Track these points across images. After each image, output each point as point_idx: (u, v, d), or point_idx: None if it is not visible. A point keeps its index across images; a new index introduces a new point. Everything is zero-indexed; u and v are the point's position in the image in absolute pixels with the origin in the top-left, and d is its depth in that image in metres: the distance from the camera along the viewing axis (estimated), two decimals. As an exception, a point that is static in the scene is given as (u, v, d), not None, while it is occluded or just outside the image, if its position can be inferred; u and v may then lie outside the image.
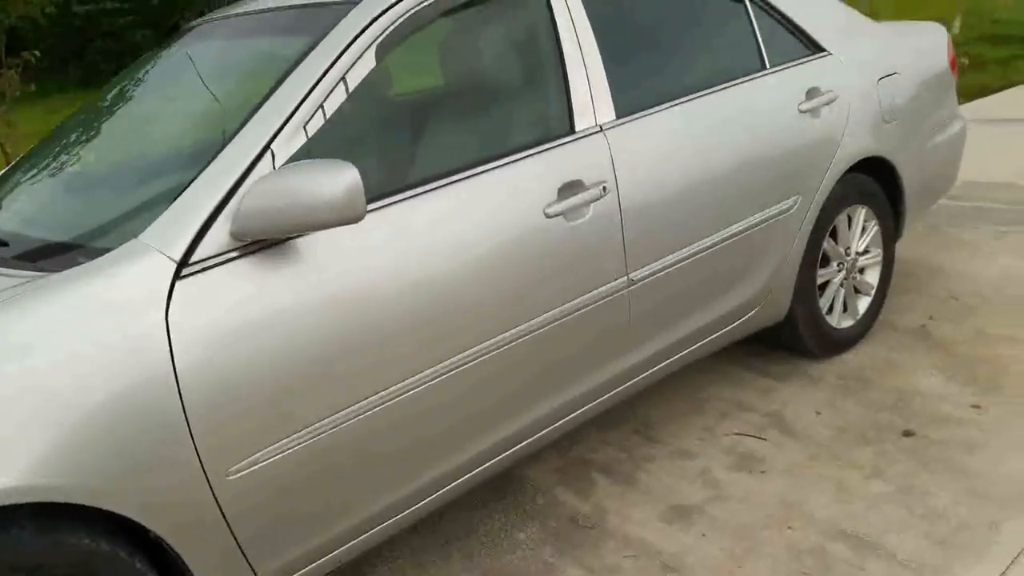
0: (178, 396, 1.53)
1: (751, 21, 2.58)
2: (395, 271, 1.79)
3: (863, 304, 3.03)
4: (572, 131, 2.15)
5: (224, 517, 1.62)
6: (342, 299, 1.72)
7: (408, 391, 1.83)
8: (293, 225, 1.60)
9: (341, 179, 1.58)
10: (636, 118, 2.26)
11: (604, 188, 2.15)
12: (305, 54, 1.81)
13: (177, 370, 1.53)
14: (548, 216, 2.04)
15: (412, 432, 1.87)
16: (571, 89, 2.16)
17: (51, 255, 1.71)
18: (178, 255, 1.58)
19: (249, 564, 1.69)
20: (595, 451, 2.66)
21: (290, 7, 2.08)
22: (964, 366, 2.85)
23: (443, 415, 1.92)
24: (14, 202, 2.10)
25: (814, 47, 2.73)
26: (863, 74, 2.79)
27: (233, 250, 1.63)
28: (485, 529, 2.35)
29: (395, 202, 1.83)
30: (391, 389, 1.81)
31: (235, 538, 1.65)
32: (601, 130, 2.19)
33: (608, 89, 2.22)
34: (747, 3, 2.60)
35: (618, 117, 2.23)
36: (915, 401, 2.69)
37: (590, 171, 2.14)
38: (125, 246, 1.59)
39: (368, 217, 1.78)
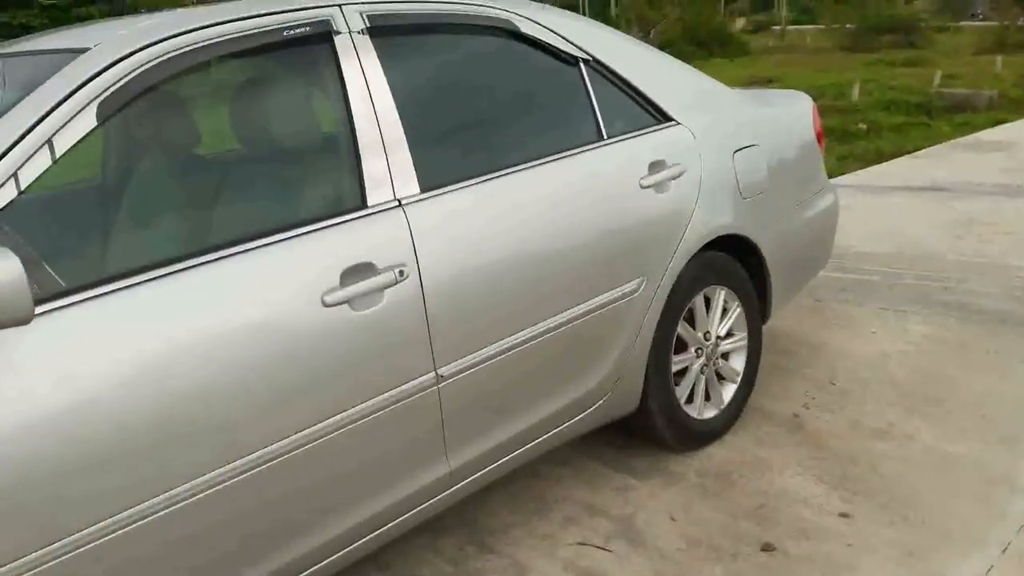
0: None
1: (587, 88, 2.35)
2: (105, 381, 1.46)
3: (728, 392, 2.78)
4: (363, 205, 1.87)
5: None
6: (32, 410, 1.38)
7: (174, 506, 1.53)
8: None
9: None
10: (444, 192, 1.99)
11: (401, 272, 1.86)
12: (8, 108, 1.49)
13: None
14: (327, 304, 1.74)
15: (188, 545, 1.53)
16: (362, 157, 1.88)
17: None
18: None
19: None
20: (422, 563, 2.32)
21: (14, 53, 1.77)
22: (835, 463, 2.61)
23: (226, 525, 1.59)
24: None
25: (661, 117, 2.51)
26: (717, 146, 2.59)
27: None
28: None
29: (107, 292, 1.50)
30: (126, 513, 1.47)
31: None
32: (400, 204, 1.91)
33: (411, 158, 1.95)
34: (582, 68, 2.37)
35: (423, 191, 1.96)
36: (779, 507, 2.43)
37: (383, 251, 1.85)
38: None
39: (64, 313, 1.44)
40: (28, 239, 1.42)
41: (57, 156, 1.48)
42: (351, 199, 1.87)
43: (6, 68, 1.76)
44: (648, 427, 2.59)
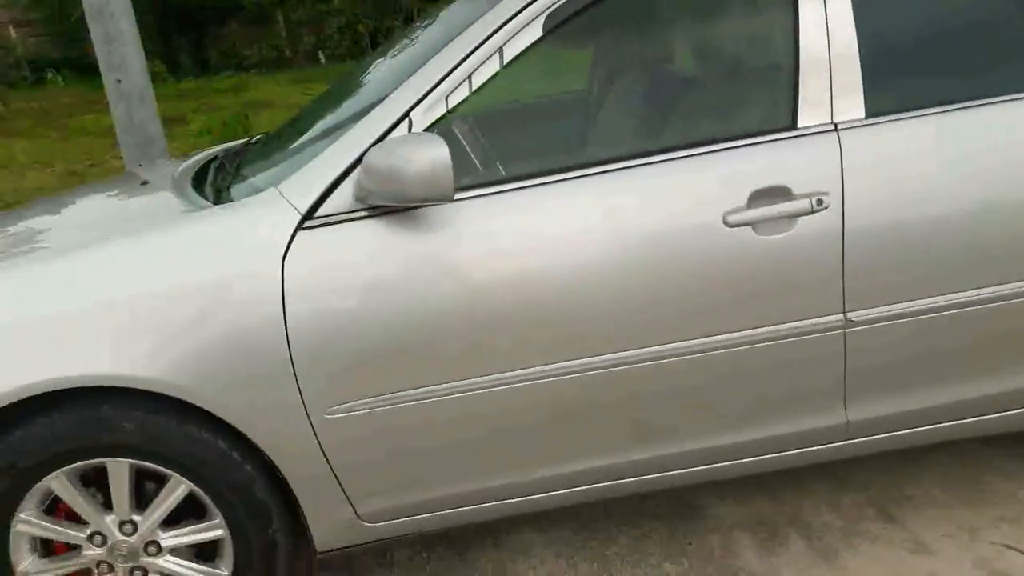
0: (284, 335, 1.65)
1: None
2: (520, 260, 1.68)
3: None
4: (792, 126, 1.76)
5: (320, 446, 1.73)
6: (459, 278, 1.68)
7: (532, 380, 1.74)
8: (393, 194, 1.60)
9: (428, 155, 1.53)
10: (894, 119, 1.76)
11: (820, 201, 1.73)
12: (471, 21, 1.74)
13: (287, 311, 1.65)
14: (729, 225, 1.72)
15: (526, 423, 1.78)
16: (801, 72, 1.76)
17: (236, 190, 1.95)
18: (304, 207, 1.69)
19: (343, 491, 1.79)
20: (813, 511, 2.23)
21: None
22: None
23: (561, 416, 1.79)
24: (263, 150, 2.39)
25: None
26: None
27: (356, 211, 1.68)
28: (632, 549, 2.15)
29: (532, 186, 1.70)
30: (503, 375, 1.73)
31: (329, 465, 1.75)
32: (835, 129, 1.76)
33: (860, 78, 1.76)
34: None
35: (868, 116, 1.76)
36: None
37: (803, 177, 1.74)
38: (265, 192, 1.75)
39: (497, 200, 1.69)
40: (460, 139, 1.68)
41: (505, 62, 1.70)
42: (780, 118, 1.78)
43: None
44: None
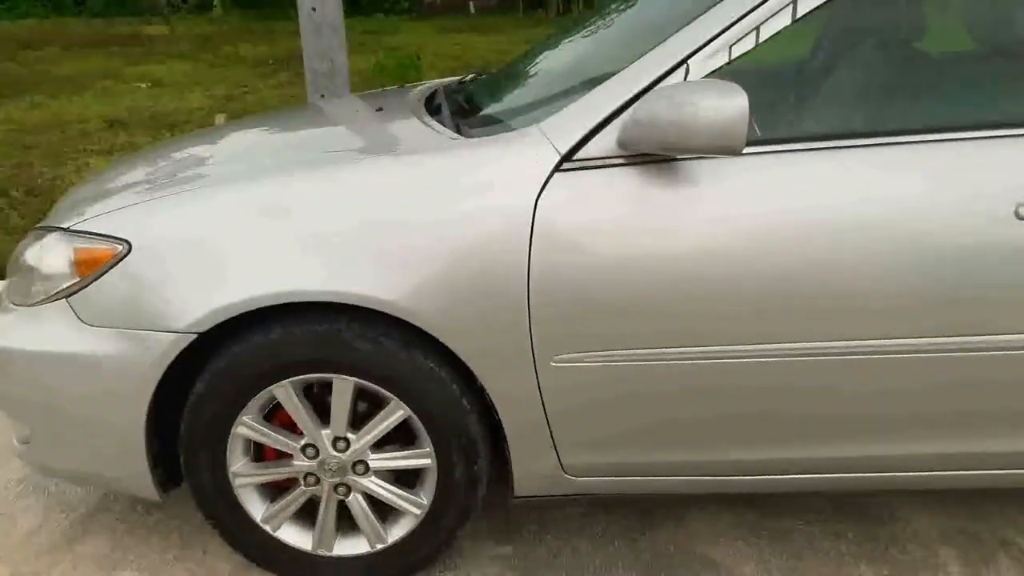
0: (526, 275, 1.61)
1: None
2: (793, 225, 1.58)
3: None
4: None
5: (540, 392, 1.70)
6: (729, 239, 1.59)
7: (773, 358, 1.65)
8: (668, 143, 1.52)
9: (727, 103, 1.44)
10: None
11: None
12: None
13: (532, 251, 1.61)
14: (1020, 217, 1.58)
15: (765, 402, 1.69)
16: None
17: (478, 124, 1.91)
18: (564, 148, 1.63)
19: (552, 440, 1.76)
20: (1021, 531, 2.08)
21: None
22: None
23: (808, 399, 1.69)
24: (490, 84, 2.36)
25: None
26: None
27: (617, 157, 1.62)
28: (827, 546, 2.05)
29: (812, 149, 1.60)
30: (746, 348, 1.64)
31: (544, 412, 1.72)
32: None
33: None
34: None
35: None
36: None
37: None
38: (524, 129, 1.70)
39: (788, 157, 1.59)
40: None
41: (798, 15, 1.59)
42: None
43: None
44: None
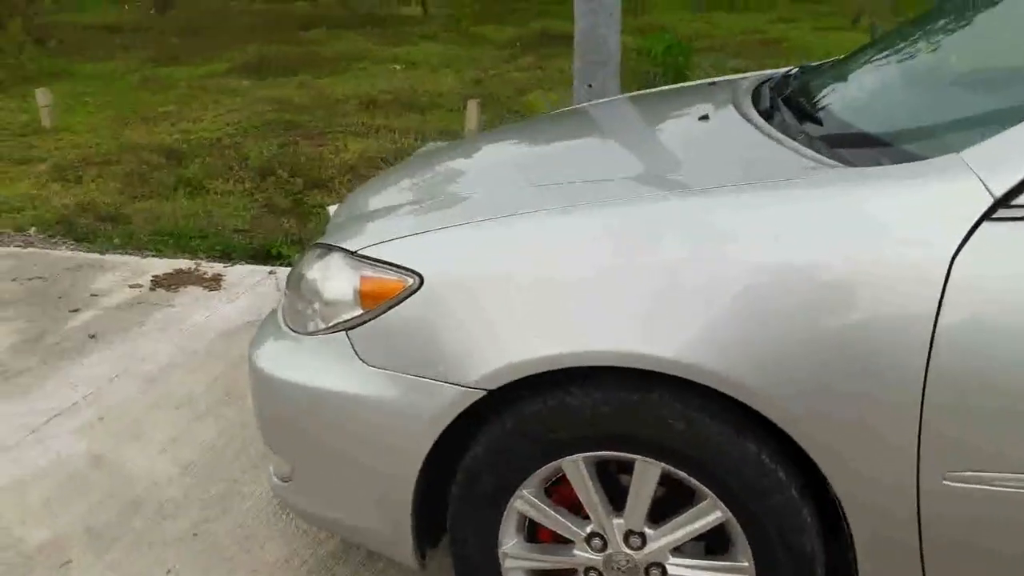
0: (925, 356, 1.19)
1: None
2: None
3: None
4: None
5: (918, 514, 1.27)
6: None
7: None
8: None
9: None
10: None
11: None
12: None
13: (938, 325, 1.18)
14: None
15: None
16: None
17: (852, 144, 1.45)
18: (1000, 190, 1.18)
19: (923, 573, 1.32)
20: None
21: None
22: None
23: None
24: (834, 84, 1.89)
25: None
26: None
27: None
28: None
29: None
30: None
31: (920, 540, 1.29)
32: None
33: None
34: None
35: None
36: None
37: None
38: (941, 159, 1.24)
39: None
40: None
41: None
42: None
43: None
44: None
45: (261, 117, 6.33)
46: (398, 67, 8.52)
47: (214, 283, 3.34)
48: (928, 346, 1.18)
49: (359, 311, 1.50)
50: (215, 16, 12.21)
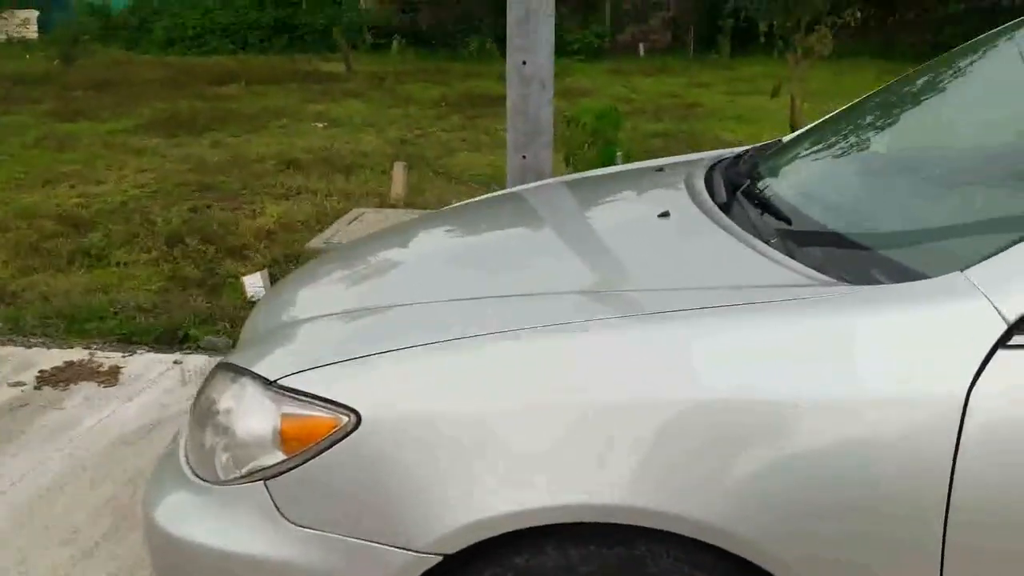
0: (944, 503, 1.05)
1: None
2: None
3: None
4: None
5: None
6: None
7: None
8: None
9: None
10: None
11: None
12: None
13: (956, 468, 1.04)
14: None
15: None
16: None
17: (837, 254, 1.30)
18: (1014, 314, 1.06)
19: None
20: None
21: None
22: None
23: None
24: (799, 172, 1.76)
25: None
26: None
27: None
28: None
29: None
30: None
31: None
32: None
33: None
34: None
35: None
36: None
37: None
38: (943, 279, 1.09)
39: None
40: None
41: None
42: None
43: None
44: None
45: (171, 179, 5.99)
46: (320, 125, 8.28)
47: (110, 378, 2.99)
48: (947, 491, 1.05)
49: (280, 456, 1.24)
50: (124, 68, 11.76)
